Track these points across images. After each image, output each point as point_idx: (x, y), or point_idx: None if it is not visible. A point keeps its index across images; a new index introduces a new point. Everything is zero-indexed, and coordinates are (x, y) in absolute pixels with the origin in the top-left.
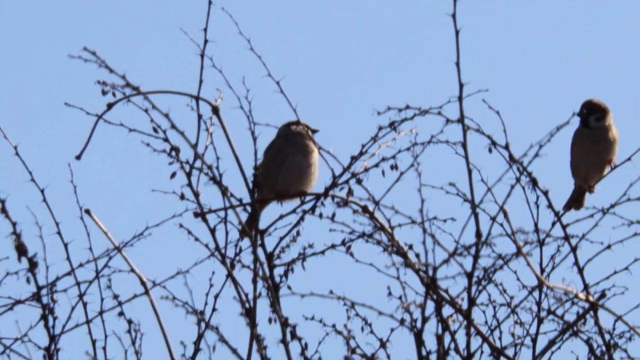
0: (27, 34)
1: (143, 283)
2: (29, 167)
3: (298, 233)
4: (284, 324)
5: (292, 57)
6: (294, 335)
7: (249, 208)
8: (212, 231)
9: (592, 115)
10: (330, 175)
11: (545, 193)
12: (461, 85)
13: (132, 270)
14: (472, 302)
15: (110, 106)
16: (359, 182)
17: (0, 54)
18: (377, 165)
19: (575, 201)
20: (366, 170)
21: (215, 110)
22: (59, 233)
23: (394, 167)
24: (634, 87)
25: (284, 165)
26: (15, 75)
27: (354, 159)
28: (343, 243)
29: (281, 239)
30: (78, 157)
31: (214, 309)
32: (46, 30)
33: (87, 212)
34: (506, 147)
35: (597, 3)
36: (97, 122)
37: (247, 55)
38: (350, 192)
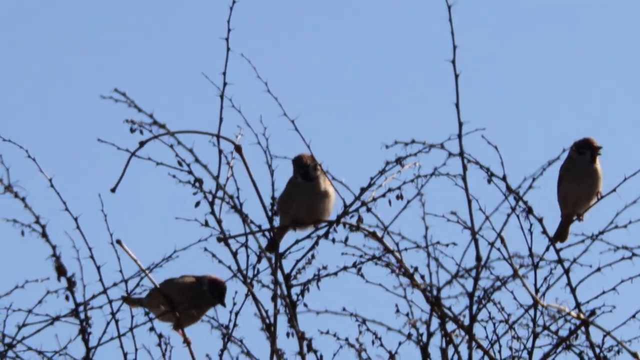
0: (62, 72)
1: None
2: (63, 197)
3: (313, 256)
4: (301, 338)
5: (306, 97)
6: (310, 348)
7: (267, 234)
8: (234, 254)
9: (589, 154)
10: (342, 204)
11: (540, 220)
12: (460, 124)
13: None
14: (473, 318)
15: (142, 144)
16: (368, 210)
17: (38, 91)
18: (384, 196)
19: (560, 235)
20: (374, 199)
21: (238, 148)
22: (92, 257)
23: (399, 197)
24: (617, 124)
25: (292, 206)
26: (50, 112)
27: (363, 189)
28: (354, 265)
29: (297, 261)
30: (113, 190)
31: (235, 324)
32: (80, 71)
33: (119, 242)
34: (503, 179)
35: (588, 46)
36: (130, 158)
37: (264, 96)
38: (360, 219)
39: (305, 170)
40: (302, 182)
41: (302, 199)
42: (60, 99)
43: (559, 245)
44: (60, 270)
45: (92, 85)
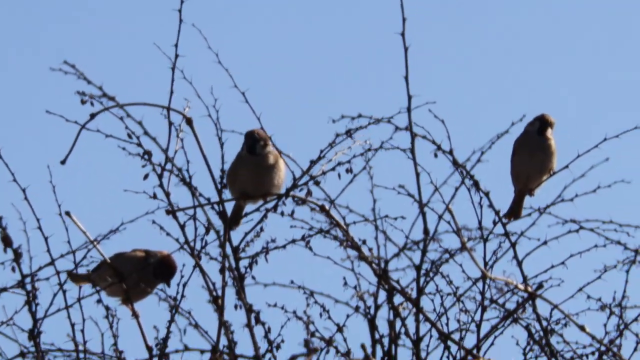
0: (10, 45)
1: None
2: (11, 169)
3: (262, 229)
4: (249, 310)
5: (257, 69)
6: (258, 321)
7: (216, 207)
8: (182, 227)
9: (549, 128)
10: (291, 178)
11: (487, 194)
12: (409, 97)
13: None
14: (420, 291)
15: (92, 116)
16: (317, 183)
17: None
18: (333, 169)
19: (514, 212)
20: (324, 173)
21: (189, 120)
22: (39, 228)
23: (349, 170)
24: (569, 98)
25: (237, 178)
26: None
27: (313, 163)
28: (303, 238)
29: (246, 234)
30: (63, 162)
31: (182, 296)
32: (29, 42)
33: (68, 213)
34: (451, 153)
35: (538, 17)
36: (80, 131)
37: (215, 67)
38: (309, 193)
39: (252, 145)
40: (247, 156)
41: (246, 172)
42: (9, 70)
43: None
44: (6, 242)
45: (41, 57)
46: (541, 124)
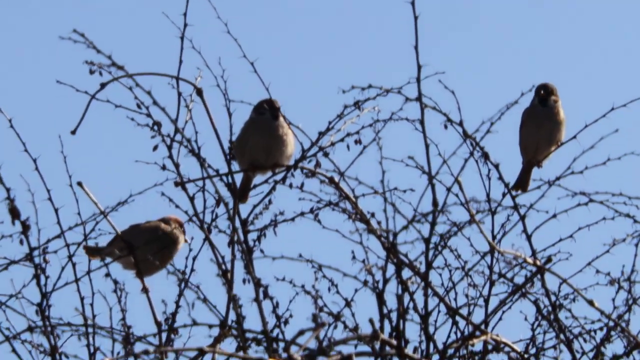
0: (20, 14)
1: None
2: (22, 139)
3: (270, 201)
4: (257, 284)
5: (266, 39)
6: (266, 295)
7: (225, 178)
8: (191, 199)
9: (550, 97)
10: (300, 149)
11: (496, 166)
12: (419, 67)
13: (117, 233)
14: (429, 265)
15: (103, 86)
16: (326, 155)
17: None
18: (342, 140)
19: (521, 184)
20: (332, 144)
21: (199, 91)
22: (50, 199)
23: (357, 141)
24: (578, 70)
25: (247, 146)
26: (10, 54)
27: (322, 134)
28: (311, 211)
29: (255, 206)
30: (73, 132)
31: (192, 270)
32: (39, 12)
33: (80, 184)
34: (460, 124)
35: None
36: (90, 101)
37: (224, 37)
38: (317, 165)
39: (276, 112)
40: (265, 122)
41: (261, 140)
42: (19, 40)
43: (517, 193)
44: (14, 213)
45: (51, 26)
46: (540, 96)
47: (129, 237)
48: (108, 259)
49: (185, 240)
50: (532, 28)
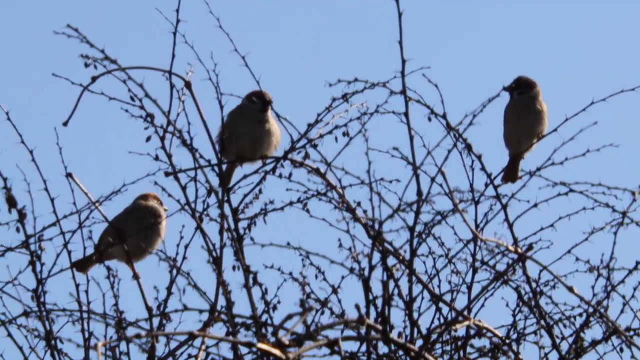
0: (16, 10)
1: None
2: (19, 131)
3: (260, 191)
4: (247, 271)
5: (257, 35)
6: (255, 281)
7: (216, 169)
8: (183, 188)
9: (517, 90)
10: (289, 140)
11: (479, 157)
12: (403, 62)
13: (109, 222)
14: (413, 253)
15: (94, 79)
16: (315, 146)
17: None
18: (330, 132)
19: (510, 175)
20: (321, 136)
21: (188, 84)
22: (46, 189)
23: (345, 134)
24: (560, 65)
25: (234, 134)
26: (7, 49)
27: (310, 126)
28: (299, 200)
29: (245, 196)
30: (65, 124)
31: (184, 257)
32: (34, 7)
33: (70, 175)
34: (444, 117)
35: None
36: (82, 93)
37: (216, 32)
38: (306, 156)
39: (267, 105)
40: (252, 109)
41: (247, 127)
42: (15, 35)
43: (497, 181)
44: (11, 202)
45: (46, 21)
46: (517, 88)
47: (119, 226)
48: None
49: (165, 209)
50: (514, 24)
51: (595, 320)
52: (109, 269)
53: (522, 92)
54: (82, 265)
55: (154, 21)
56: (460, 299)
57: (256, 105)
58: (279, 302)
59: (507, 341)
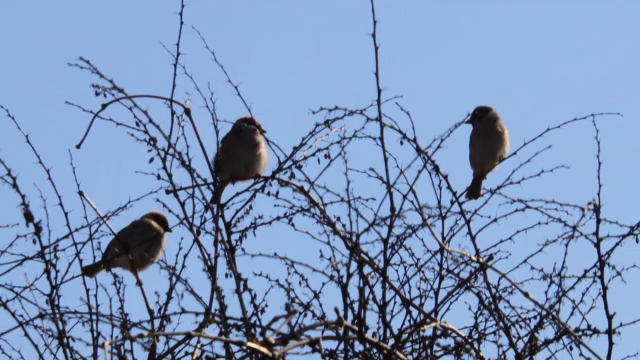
0: (38, 45)
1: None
2: (37, 152)
3: (250, 207)
4: (238, 278)
5: (248, 67)
6: (245, 287)
7: (212, 187)
8: (182, 204)
9: (475, 118)
10: (277, 162)
11: (446, 177)
12: (379, 91)
13: (116, 235)
14: (387, 262)
15: (104, 106)
16: (299, 167)
17: (13, 61)
18: (313, 155)
19: (473, 193)
20: (305, 158)
21: (188, 111)
22: (60, 204)
23: (327, 156)
24: (520, 94)
25: (232, 157)
26: (25, 78)
27: (295, 149)
28: (285, 215)
29: (237, 211)
30: (78, 146)
31: (182, 266)
32: (52, 42)
33: (81, 193)
34: (415, 141)
35: (497, 15)
36: (93, 119)
37: (212, 64)
38: (292, 176)
39: (259, 129)
40: (249, 133)
41: (244, 156)
42: (33, 66)
43: (462, 199)
44: (28, 217)
45: (60, 53)
46: (474, 114)
47: (125, 238)
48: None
49: (169, 230)
50: (479, 57)
51: (548, 322)
52: (115, 276)
53: (480, 117)
54: (90, 270)
55: (157, 54)
56: (428, 303)
57: (251, 128)
58: (266, 305)
59: (470, 340)
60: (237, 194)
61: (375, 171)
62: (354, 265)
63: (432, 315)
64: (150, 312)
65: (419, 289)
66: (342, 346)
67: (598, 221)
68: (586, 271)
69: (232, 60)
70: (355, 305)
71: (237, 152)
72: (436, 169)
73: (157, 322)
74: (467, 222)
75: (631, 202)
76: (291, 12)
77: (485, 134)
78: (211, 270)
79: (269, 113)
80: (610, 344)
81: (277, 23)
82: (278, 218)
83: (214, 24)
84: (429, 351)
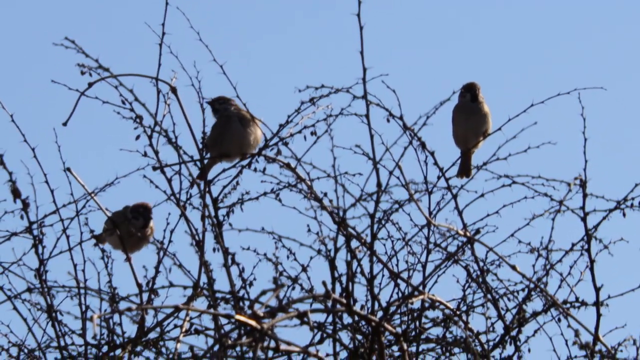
0: (22, 25)
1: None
2: (22, 131)
3: (237, 183)
4: (226, 252)
5: (233, 45)
6: (233, 261)
7: (198, 163)
8: (169, 181)
9: (479, 93)
10: (263, 139)
11: (432, 153)
12: (364, 70)
13: (103, 210)
14: (374, 236)
15: (90, 85)
16: (286, 144)
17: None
18: (300, 132)
19: (464, 171)
20: (291, 135)
21: (173, 89)
22: (46, 182)
23: (313, 133)
24: (504, 70)
25: (225, 136)
26: (11, 57)
27: (282, 126)
28: (272, 191)
29: (224, 187)
30: (64, 124)
31: (170, 241)
32: (37, 22)
33: (68, 169)
34: (401, 118)
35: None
36: (79, 97)
37: (198, 44)
38: (278, 152)
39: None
40: (239, 128)
41: (237, 137)
42: (19, 45)
43: (448, 174)
44: (16, 193)
45: (46, 33)
46: (471, 93)
47: (114, 217)
48: (96, 233)
49: (152, 228)
50: (463, 35)
51: (536, 295)
52: (103, 250)
53: (473, 96)
54: (99, 238)
55: (143, 34)
56: (416, 276)
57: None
58: (254, 279)
59: (458, 312)
60: (224, 170)
61: (361, 148)
62: (341, 240)
63: (420, 288)
64: (139, 285)
65: (406, 262)
66: (330, 319)
67: (584, 196)
68: (574, 244)
69: (217, 40)
70: (343, 279)
71: (237, 133)
72: (422, 145)
73: (145, 296)
74: (454, 197)
75: (616, 178)
76: None
77: (469, 112)
78: (199, 245)
79: (255, 91)
80: (598, 315)
81: (263, 3)
82: (265, 194)
83: (199, 4)
84: (417, 323)
